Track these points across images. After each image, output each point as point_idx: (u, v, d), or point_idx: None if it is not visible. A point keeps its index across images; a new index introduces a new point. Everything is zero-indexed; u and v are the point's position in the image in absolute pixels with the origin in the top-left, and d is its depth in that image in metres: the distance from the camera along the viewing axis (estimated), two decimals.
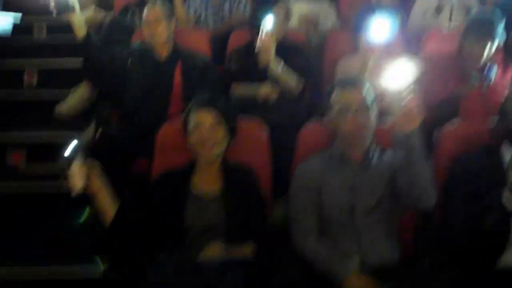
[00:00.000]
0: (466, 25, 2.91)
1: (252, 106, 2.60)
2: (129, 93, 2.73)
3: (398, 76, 1.66)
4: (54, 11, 2.74)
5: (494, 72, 2.83)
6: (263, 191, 2.04)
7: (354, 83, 1.98)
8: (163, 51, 2.80)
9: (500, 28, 2.82)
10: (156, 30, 2.73)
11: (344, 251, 1.89)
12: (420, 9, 3.81)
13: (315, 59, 3.08)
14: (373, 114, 1.93)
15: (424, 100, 2.63)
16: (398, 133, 1.73)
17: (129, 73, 2.74)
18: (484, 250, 1.85)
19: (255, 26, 2.80)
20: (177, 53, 2.81)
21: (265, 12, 2.62)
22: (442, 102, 2.74)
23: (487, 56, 2.82)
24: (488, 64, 2.84)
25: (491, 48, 2.81)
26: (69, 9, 2.62)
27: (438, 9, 3.69)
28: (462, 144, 2.12)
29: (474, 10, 3.75)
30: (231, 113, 2.01)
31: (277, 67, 2.64)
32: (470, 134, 2.16)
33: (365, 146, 1.94)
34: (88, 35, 2.67)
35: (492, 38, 2.79)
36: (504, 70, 2.87)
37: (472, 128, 2.20)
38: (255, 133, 2.16)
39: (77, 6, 2.62)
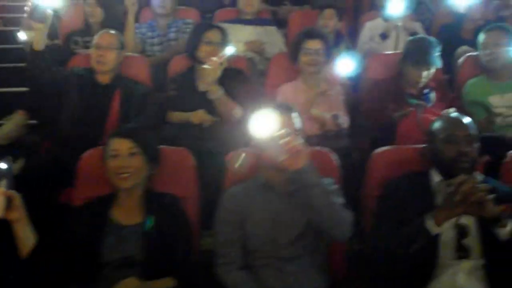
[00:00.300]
0: (403, 51, 2.95)
1: (187, 134, 2.56)
2: (64, 117, 2.66)
3: (270, 123, 1.67)
4: (26, 14, 2.67)
5: (431, 98, 2.86)
6: (191, 221, 1.98)
7: (282, 109, 1.95)
8: (105, 77, 2.75)
9: (436, 56, 2.86)
10: (105, 56, 2.71)
11: (267, 283, 1.83)
12: (367, 35, 3.89)
13: (258, 85, 3.06)
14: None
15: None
16: (290, 171, 1.71)
17: (66, 96, 2.68)
18: (411, 275, 1.83)
19: (193, 53, 2.81)
20: (118, 79, 2.77)
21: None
22: (381, 125, 2.76)
23: (424, 82, 2.86)
24: (426, 90, 2.88)
25: (427, 75, 2.84)
26: (41, 17, 2.53)
27: (383, 35, 3.75)
28: (392, 169, 2.10)
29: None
30: (150, 143, 1.97)
31: (218, 92, 2.61)
32: (401, 159, 2.15)
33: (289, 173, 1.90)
34: (41, 52, 2.62)
35: (427, 65, 2.83)
36: (442, 95, 2.89)
37: (403, 152, 2.19)
38: (182, 161, 2.10)
39: (50, 17, 2.56)
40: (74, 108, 2.66)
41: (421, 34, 3.77)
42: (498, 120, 2.86)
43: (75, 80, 2.72)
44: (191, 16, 3.84)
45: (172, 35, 3.59)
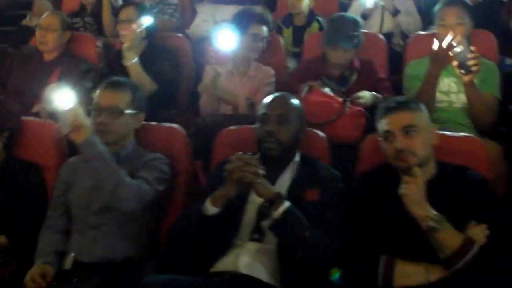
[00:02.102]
0: (325, 31, 2.81)
1: None
2: (9, 88, 3.02)
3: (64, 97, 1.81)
4: None
5: (351, 81, 2.70)
6: None
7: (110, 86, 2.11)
8: (49, 56, 3.07)
9: (356, 38, 2.68)
10: (45, 36, 3.01)
11: (71, 247, 1.99)
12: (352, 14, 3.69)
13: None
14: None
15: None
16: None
17: (13, 71, 3.06)
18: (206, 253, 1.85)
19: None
20: (61, 57, 3.07)
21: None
22: None
23: (342, 63, 2.70)
24: (347, 72, 2.72)
25: (344, 55, 2.68)
26: None
27: (364, 15, 3.54)
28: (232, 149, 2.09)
29: (401, 14, 3.59)
30: None
31: (130, 59, 2.74)
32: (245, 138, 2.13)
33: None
34: None
35: (342, 45, 2.67)
36: (365, 79, 2.69)
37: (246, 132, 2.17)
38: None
39: None
40: (17, 82, 3.02)
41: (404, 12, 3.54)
42: None
43: (23, 58, 3.07)
44: None
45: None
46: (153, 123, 2.25)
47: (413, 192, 1.68)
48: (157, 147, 2.15)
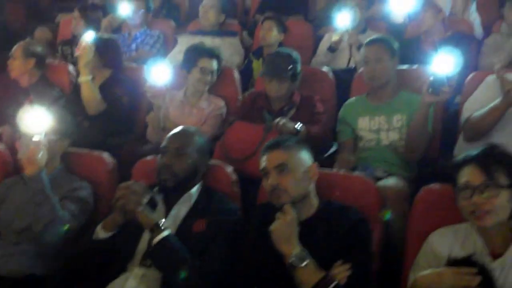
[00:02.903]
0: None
1: None
2: None
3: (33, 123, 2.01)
4: None
5: (288, 115, 2.79)
6: None
7: None
8: (24, 81, 3.32)
9: (290, 70, 2.78)
10: (12, 64, 3.29)
11: None
12: (323, 47, 3.80)
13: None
14: None
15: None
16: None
17: None
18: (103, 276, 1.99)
19: None
20: (35, 84, 3.32)
21: None
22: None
23: (279, 96, 2.80)
24: (286, 107, 2.81)
25: (278, 88, 2.78)
26: None
27: (331, 48, 3.63)
28: None
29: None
30: None
31: (84, 77, 2.95)
32: None
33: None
34: None
35: (276, 77, 2.77)
36: (303, 114, 2.78)
37: None
38: None
39: None
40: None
41: None
42: (361, 144, 2.67)
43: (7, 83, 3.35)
44: (164, 28, 4.21)
45: (133, 46, 4.02)
46: (82, 150, 2.42)
47: (280, 229, 1.76)
48: (83, 173, 2.33)
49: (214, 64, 3.02)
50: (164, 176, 2.02)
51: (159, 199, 2.05)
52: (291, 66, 2.78)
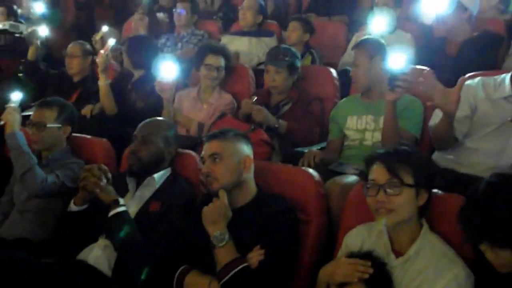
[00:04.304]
0: None
1: None
2: None
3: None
4: None
5: (283, 110, 2.90)
6: None
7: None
8: (75, 77, 3.77)
9: (286, 61, 2.92)
10: (70, 62, 3.75)
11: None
12: (349, 49, 3.81)
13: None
14: None
15: None
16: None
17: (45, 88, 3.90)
18: None
19: None
20: (83, 79, 3.74)
21: None
22: None
23: (280, 91, 2.94)
24: (282, 102, 2.93)
25: (273, 78, 2.92)
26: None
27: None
28: None
29: None
30: None
31: (101, 81, 3.28)
32: None
33: None
34: None
35: (273, 66, 2.92)
36: (297, 110, 2.88)
37: None
38: None
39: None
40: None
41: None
42: (346, 142, 2.71)
43: (56, 78, 3.85)
44: (211, 28, 4.49)
45: (179, 45, 4.34)
46: (85, 136, 2.77)
47: (210, 211, 1.92)
48: (83, 156, 2.67)
49: (221, 61, 3.21)
50: (131, 161, 2.28)
51: (130, 182, 2.31)
52: (287, 58, 2.90)
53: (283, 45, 3.06)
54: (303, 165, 2.41)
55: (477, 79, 2.33)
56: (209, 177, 1.99)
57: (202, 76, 3.23)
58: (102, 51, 3.26)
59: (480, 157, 2.23)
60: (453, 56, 3.19)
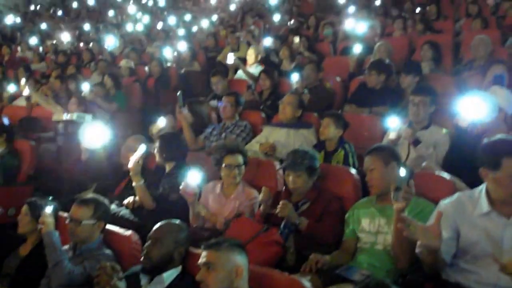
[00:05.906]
0: None
1: None
2: None
3: None
4: None
5: (302, 209, 3.00)
6: None
7: None
8: None
9: (304, 165, 3.05)
10: None
11: None
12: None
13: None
14: None
15: None
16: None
17: None
18: None
19: None
20: None
21: None
22: None
23: (296, 189, 3.08)
24: (302, 201, 3.04)
25: (294, 181, 3.06)
26: None
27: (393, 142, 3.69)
28: None
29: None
30: None
31: (137, 182, 3.53)
32: None
33: None
34: None
35: (292, 171, 3.06)
36: (316, 210, 2.99)
37: None
38: None
39: None
40: None
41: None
42: (358, 245, 2.75)
43: None
44: (254, 119, 4.74)
45: (223, 135, 4.60)
46: (116, 229, 3.00)
47: None
48: (113, 245, 2.91)
49: (239, 159, 3.39)
50: (143, 260, 2.48)
51: (143, 278, 2.50)
52: (306, 160, 3.03)
53: (301, 148, 3.22)
54: (305, 271, 2.47)
55: (455, 196, 2.36)
56: (203, 284, 2.13)
57: (224, 176, 3.41)
58: (133, 158, 3.54)
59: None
60: None
